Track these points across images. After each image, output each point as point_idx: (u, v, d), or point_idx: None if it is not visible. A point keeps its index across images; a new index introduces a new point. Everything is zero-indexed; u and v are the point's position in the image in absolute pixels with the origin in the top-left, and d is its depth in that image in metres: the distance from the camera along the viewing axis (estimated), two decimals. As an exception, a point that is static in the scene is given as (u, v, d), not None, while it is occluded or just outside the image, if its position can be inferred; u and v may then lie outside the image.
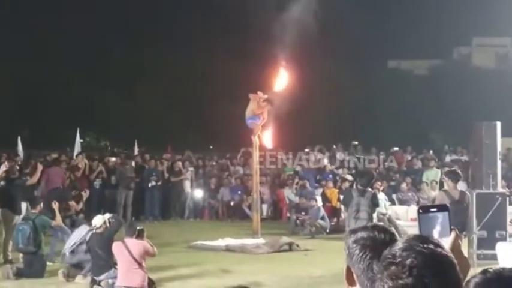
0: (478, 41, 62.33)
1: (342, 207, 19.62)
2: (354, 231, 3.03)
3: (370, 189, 12.00)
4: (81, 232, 13.15)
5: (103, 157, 25.86)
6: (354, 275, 2.57)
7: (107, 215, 12.82)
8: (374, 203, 11.84)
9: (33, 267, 13.21)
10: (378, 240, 2.60)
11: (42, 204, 14.35)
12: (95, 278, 12.06)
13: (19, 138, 25.29)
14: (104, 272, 11.95)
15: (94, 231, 12.26)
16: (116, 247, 11.24)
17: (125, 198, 23.08)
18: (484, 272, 2.15)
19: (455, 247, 2.41)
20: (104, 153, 29.16)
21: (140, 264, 11.00)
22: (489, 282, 2.12)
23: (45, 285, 12.71)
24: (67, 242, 13.23)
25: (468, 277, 2.22)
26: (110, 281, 11.78)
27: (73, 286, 12.51)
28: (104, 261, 11.96)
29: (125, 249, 11.02)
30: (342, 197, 20.72)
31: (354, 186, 15.97)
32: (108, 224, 12.14)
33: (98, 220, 12.39)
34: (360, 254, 2.56)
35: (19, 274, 13.05)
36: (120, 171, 23.38)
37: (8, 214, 15.05)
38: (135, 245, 11.14)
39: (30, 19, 45.25)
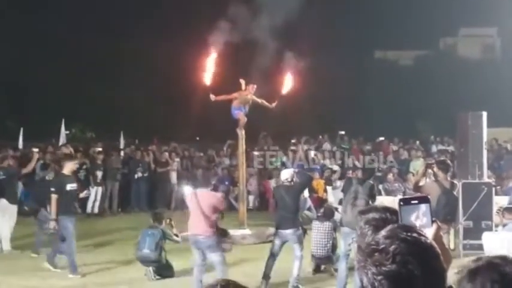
0: (464, 32, 62.42)
1: (330, 198, 19.70)
2: (363, 212, 2.99)
3: (370, 181, 12.05)
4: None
5: (88, 148, 25.74)
6: None
7: None
8: (372, 194, 11.89)
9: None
10: (390, 221, 2.57)
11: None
12: None
13: (21, 130, 25.15)
14: None
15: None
16: (189, 197, 11.27)
17: (111, 189, 23.03)
18: (477, 260, 2.15)
19: (437, 238, 2.40)
20: (89, 144, 28.99)
21: (206, 216, 10.89)
22: (480, 269, 2.12)
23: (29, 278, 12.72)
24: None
25: (452, 268, 2.22)
26: None
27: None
28: None
29: (195, 199, 11.02)
30: (328, 188, 20.87)
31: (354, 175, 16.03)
32: None
33: None
34: (373, 235, 2.54)
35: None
36: (106, 163, 23.30)
37: (7, 204, 15.51)
38: (207, 197, 11.10)
39: (11, 11, 44.88)
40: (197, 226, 10.90)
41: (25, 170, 15.98)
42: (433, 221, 2.47)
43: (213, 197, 11.12)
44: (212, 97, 17.10)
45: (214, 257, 10.96)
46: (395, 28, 52.66)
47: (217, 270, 10.99)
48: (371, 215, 2.76)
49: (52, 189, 12.81)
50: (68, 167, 13.20)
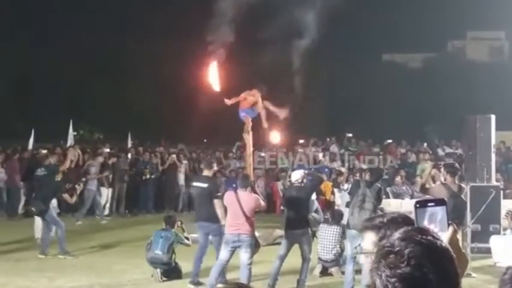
0: (472, 34, 62.33)
1: (337, 201, 19.64)
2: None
3: (377, 184, 12.00)
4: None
5: (96, 149, 25.76)
6: None
7: None
8: (379, 198, 11.86)
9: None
10: None
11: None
12: None
13: (33, 132, 25.17)
14: None
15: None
16: (229, 197, 11.36)
17: (119, 191, 23.02)
18: None
19: (453, 242, 2.38)
20: (97, 145, 29.02)
21: (248, 218, 11.11)
22: None
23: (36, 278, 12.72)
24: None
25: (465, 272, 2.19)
26: None
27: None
28: None
29: (236, 201, 11.14)
30: (335, 190, 20.82)
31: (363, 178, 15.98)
32: None
33: None
34: None
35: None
36: (113, 164, 23.30)
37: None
38: (247, 199, 11.24)
39: (18, 13, 45.02)
40: (240, 226, 11.10)
41: (62, 168, 16.10)
42: (449, 224, 2.45)
43: (254, 199, 11.34)
44: (227, 101, 16.88)
45: (245, 255, 11.13)
46: (403, 31, 52.63)
47: (242, 269, 11.16)
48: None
49: (219, 194, 12.39)
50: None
